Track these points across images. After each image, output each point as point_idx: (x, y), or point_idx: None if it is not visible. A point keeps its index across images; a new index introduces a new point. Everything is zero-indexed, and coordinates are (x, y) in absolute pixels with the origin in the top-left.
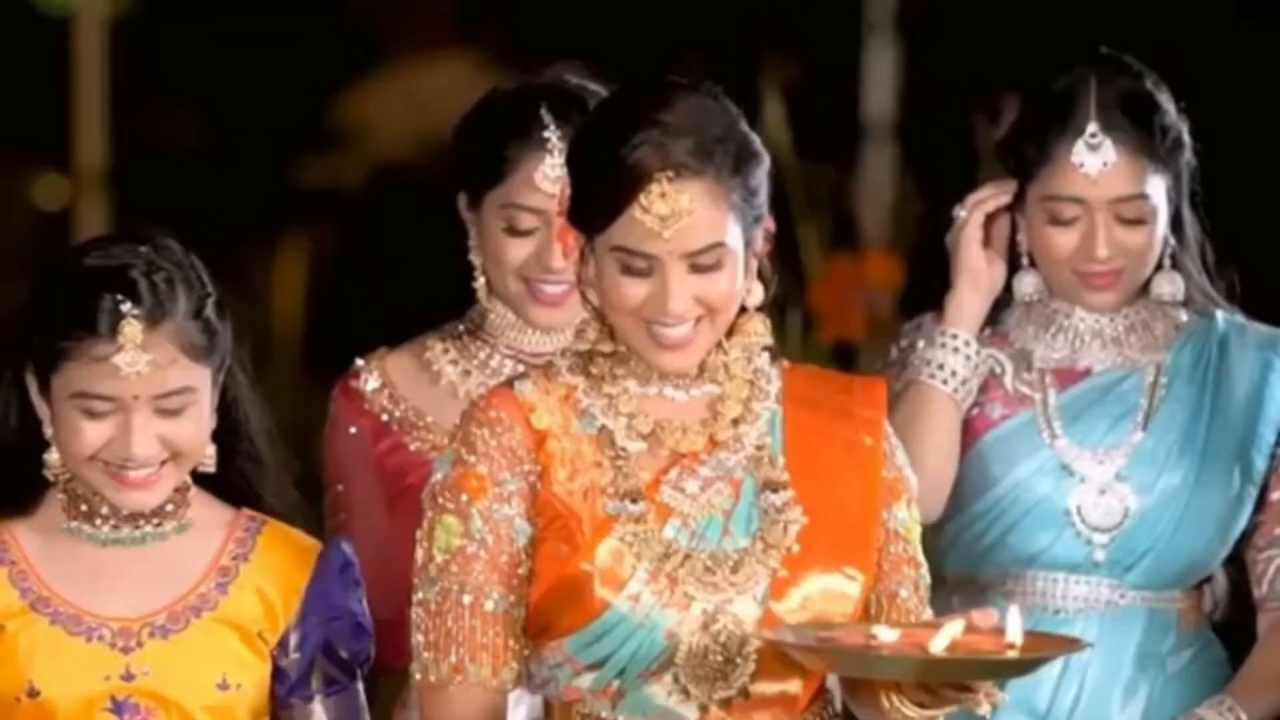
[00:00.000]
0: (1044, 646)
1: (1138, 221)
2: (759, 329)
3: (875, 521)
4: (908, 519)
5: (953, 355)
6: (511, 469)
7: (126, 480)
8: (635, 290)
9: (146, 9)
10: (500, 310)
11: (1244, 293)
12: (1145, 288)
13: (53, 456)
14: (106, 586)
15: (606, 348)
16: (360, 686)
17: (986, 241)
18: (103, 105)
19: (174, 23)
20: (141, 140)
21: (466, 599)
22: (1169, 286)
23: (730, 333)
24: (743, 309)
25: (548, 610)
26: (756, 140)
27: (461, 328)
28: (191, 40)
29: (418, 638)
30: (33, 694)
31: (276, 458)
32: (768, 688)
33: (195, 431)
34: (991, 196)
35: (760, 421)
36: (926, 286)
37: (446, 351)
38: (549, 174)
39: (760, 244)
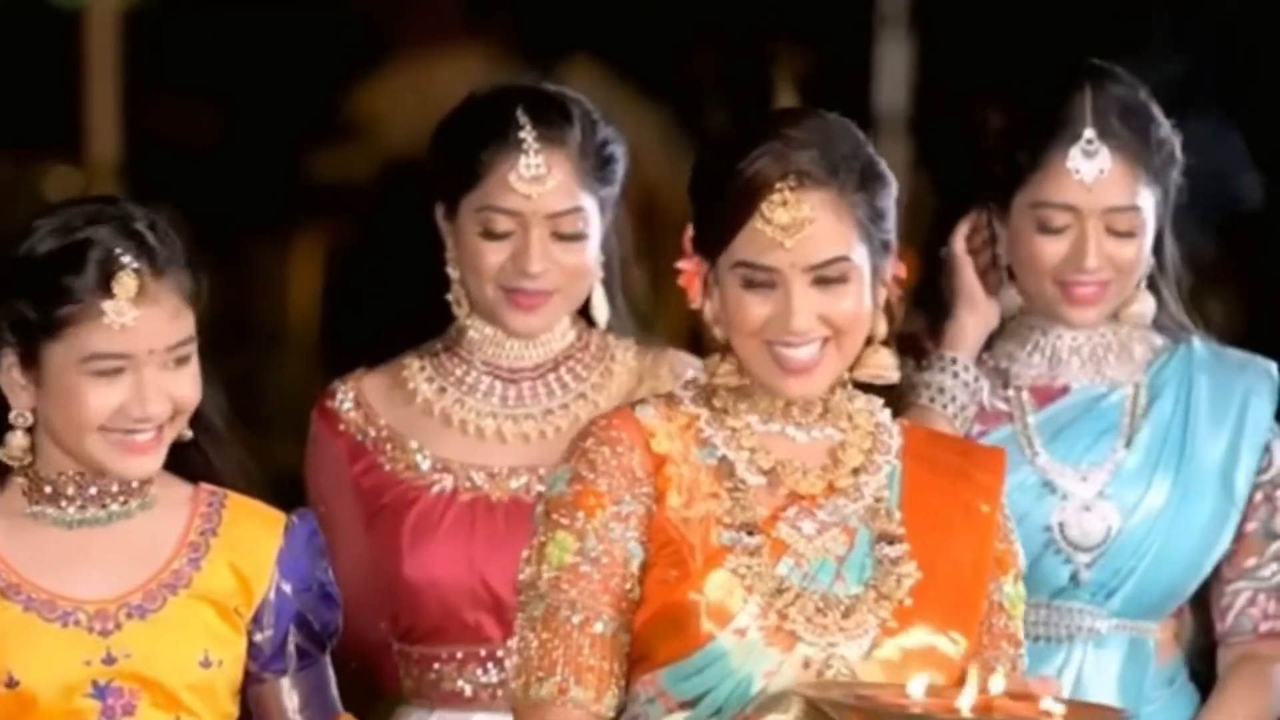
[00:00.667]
0: (1084, 714)
1: (1128, 234)
2: (886, 362)
3: (983, 589)
4: (1014, 595)
5: (952, 380)
6: (630, 490)
7: (134, 446)
8: (758, 309)
9: (159, 2)
10: (478, 325)
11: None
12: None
13: (17, 440)
14: (77, 569)
15: (733, 381)
16: (328, 660)
17: (979, 271)
18: (115, 98)
19: (186, 16)
20: (153, 133)
21: (576, 618)
22: (1141, 307)
23: (854, 365)
24: (868, 341)
25: (649, 638)
26: (884, 165)
27: (439, 345)
28: (203, 33)
29: (519, 655)
30: (11, 684)
31: (234, 434)
32: None
33: (195, 385)
34: (973, 224)
35: (880, 474)
36: (938, 281)
37: (423, 369)
38: (524, 174)
39: (890, 274)
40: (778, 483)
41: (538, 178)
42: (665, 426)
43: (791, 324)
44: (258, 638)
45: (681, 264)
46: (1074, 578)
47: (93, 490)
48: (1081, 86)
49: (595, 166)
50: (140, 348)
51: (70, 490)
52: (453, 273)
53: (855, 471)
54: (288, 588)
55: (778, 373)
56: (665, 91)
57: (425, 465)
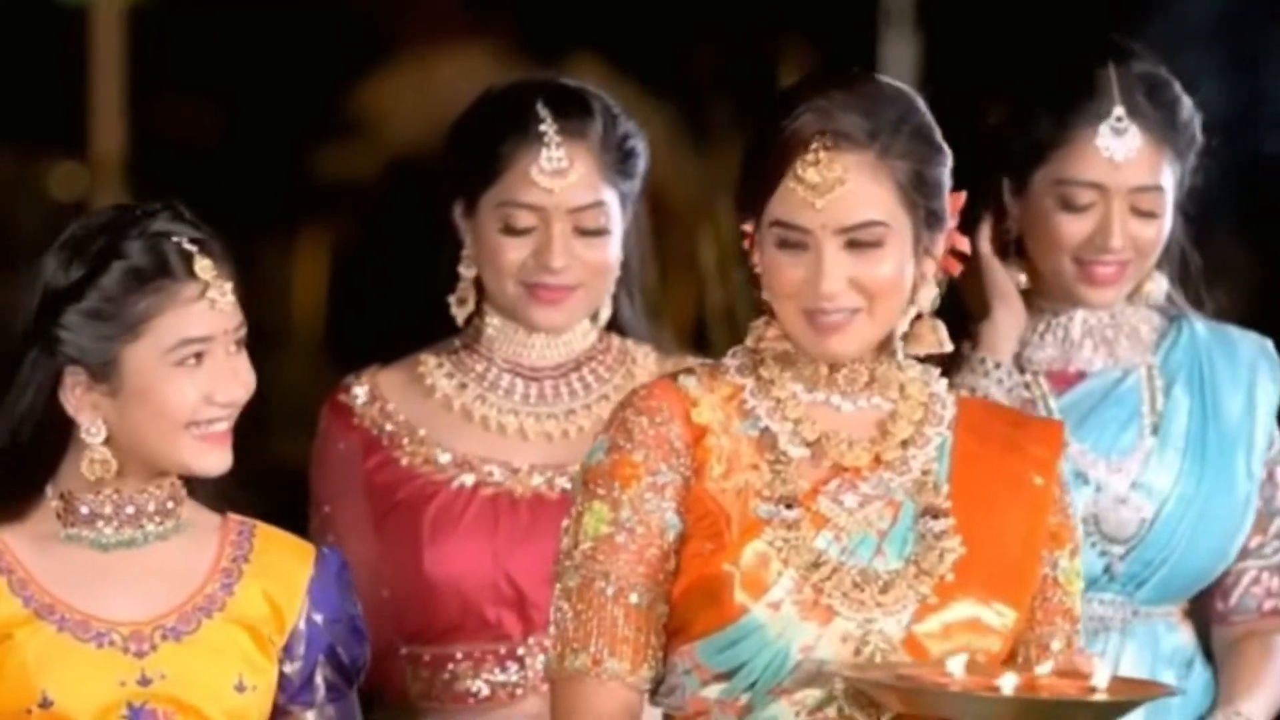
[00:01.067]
0: (1130, 690)
1: (1151, 214)
2: (937, 336)
3: (1034, 562)
4: (1069, 569)
5: (996, 385)
6: (667, 460)
7: (216, 438)
8: (791, 271)
9: None
10: (497, 324)
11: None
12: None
13: (100, 454)
14: (110, 591)
15: (778, 346)
16: (355, 696)
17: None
18: (119, 95)
19: (190, 13)
20: (158, 131)
21: (610, 589)
22: (1154, 288)
23: (907, 339)
24: (918, 316)
25: (685, 609)
26: (938, 135)
27: (457, 343)
28: (207, 30)
29: (555, 626)
30: (45, 704)
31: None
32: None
33: (253, 372)
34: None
35: (930, 446)
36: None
37: (441, 365)
38: (546, 167)
39: (940, 248)
40: (821, 455)
41: (560, 171)
42: (708, 397)
43: (821, 286)
44: (288, 668)
45: (745, 226)
46: (1108, 570)
47: (130, 510)
48: (1105, 63)
49: (617, 160)
50: (219, 329)
51: (108, 509)
52: (466, 271)
53: (904, 444)
54: (319, 618)
55: (811, 333)
56: (669, 89)
57: (445, 460)
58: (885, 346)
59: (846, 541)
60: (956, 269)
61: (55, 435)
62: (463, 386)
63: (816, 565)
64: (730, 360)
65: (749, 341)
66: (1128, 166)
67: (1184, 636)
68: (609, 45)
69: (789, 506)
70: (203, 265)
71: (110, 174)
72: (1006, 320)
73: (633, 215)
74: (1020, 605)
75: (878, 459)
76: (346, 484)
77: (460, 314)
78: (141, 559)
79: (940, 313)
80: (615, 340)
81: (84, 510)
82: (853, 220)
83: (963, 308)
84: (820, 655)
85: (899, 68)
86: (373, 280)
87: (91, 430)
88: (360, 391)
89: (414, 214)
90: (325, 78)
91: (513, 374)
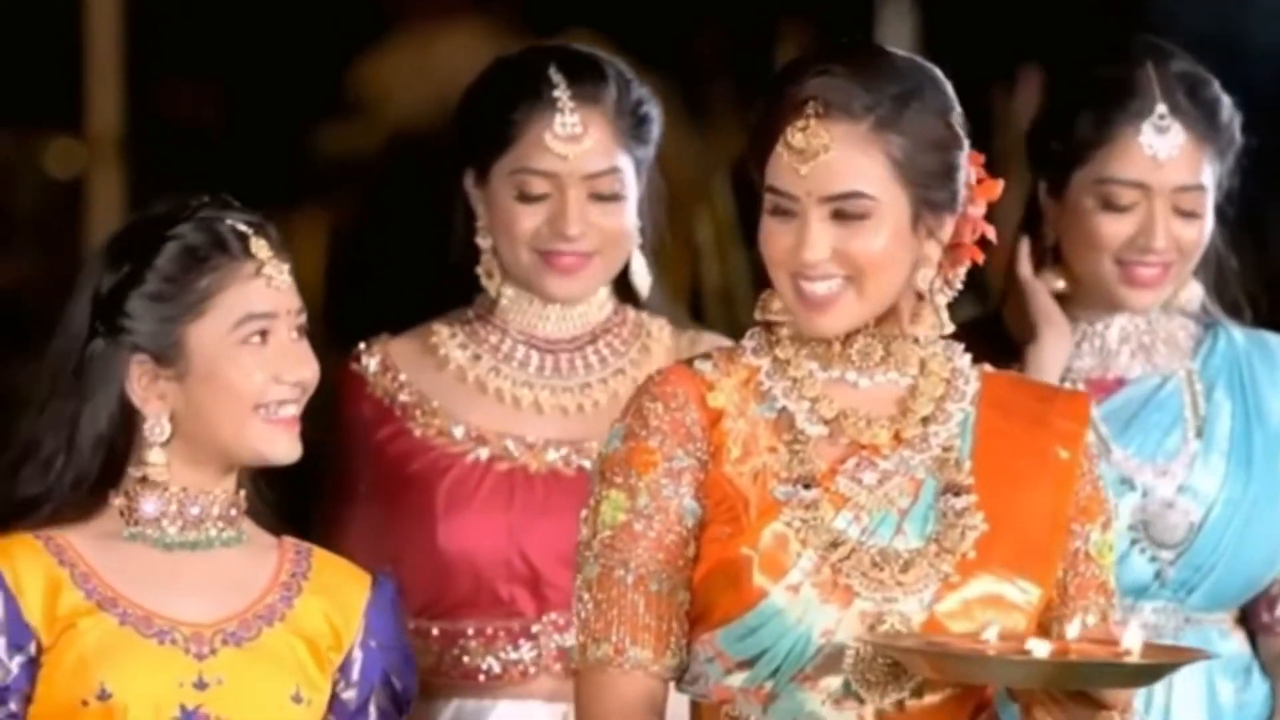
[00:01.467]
0: (1162, 655)
1: (1193, 215)
2: (937, 319)
3: (1061, 537)
4: (1101, 543)
5: None
6: (684, 445)
7: (285, 422)
8: (781, 238)
9: None
10: (511, 295)
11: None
12: None
13: (158, 455)
14: (172, 590)
15: (784, 318)
16: None
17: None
18: (117, 72)
19: None
20: (156, 108)
21: (630, 578)
22: (1191, 294)
23: (911, 321)
24: (919, 296)
25: (705, 595)
26: (953, 119)
27: (471, 313)
28: (206, 8)
29: (577, 617)
30: (103, 696)
31: None
32: (932, 698)
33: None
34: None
35: (952, 422)
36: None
37: (454, 336)
38: (560, 133)
39: (947, 232)
40: (839, 433)
41: (574, 136)
42: (724, 380)
43: (803, 254)
44: (344, 694)
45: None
46: (1158, 576)
47: (194, 511)
48: (1143, 62)
49: (631, 126)
50: (281, 307)
51: (173, 509)
52: (483, 243)
53: (924, 421)
54: (374, 644)
55: (800, 307)
56: (667, 66)
57: (459, 433)
58: (888, 322)
59: (866, 521)
60: (980, 257)
61: (123, 432)
62: (476, 358)
63: (835, 545)
64: (747, 342)
65: (756, 313)
66: (1170, 165)
67: (1238, 644)
68: (608, 24)
69: (807, 486)
70: (258, 244)
71: (107, 151)
72: (1053, 343)
73: (647, 182)
74: (1045, 582)
75: (897, 437)
76: (357, 451)
77: (491, 286)
78: (204, 562)
79: (985, 337)
80: (631, 313)
81: (148, 509)
82: (835, 190)
83: (1008, 333)
84: (841, 639)
85: (896, 45)
86: (373, 258)
87: (156, 429)
88: (371, 360)
89: (415, 190)
90: (325, 55)
91: (527, 345)
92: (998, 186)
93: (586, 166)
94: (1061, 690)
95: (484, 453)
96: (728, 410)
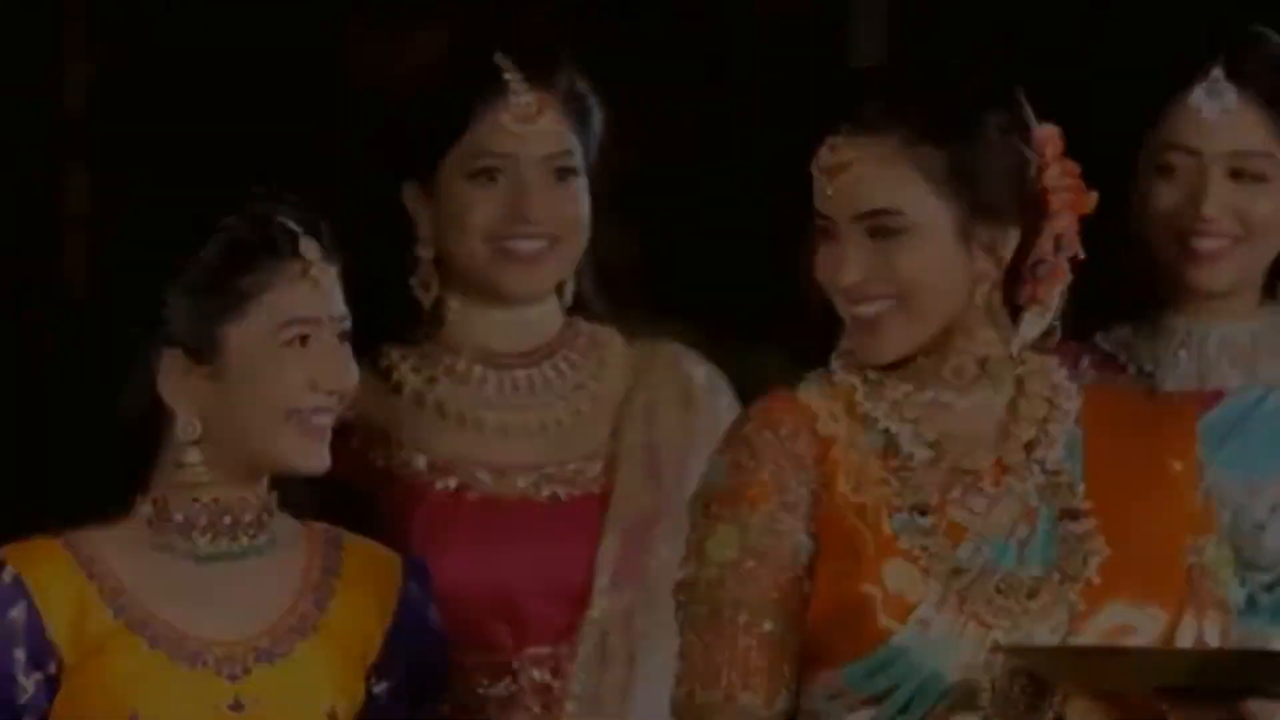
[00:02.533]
0: None
1: (1258, 179)
2: (988, 336)
3: (1182, 555)
4: (1217, 558)
5: None
6: (796, 475)
7: (318, 432)
8: (825, 261)
9: None
10: (457, 306)
11: None
12: (1270, 289)
13: (193, 455)
14: (203, 606)
15: None
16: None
17: None
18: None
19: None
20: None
21: (742, 618)
22: None
23: (968, 339)
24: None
25: (824, 634)
26: (1009, 129)
27: (420, 334)
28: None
29: (683, 659)
30: None
31: None
32: None
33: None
34: None
35: (1058, 445)
36: None
37: (405, 358)
38: (515, 113)
39: (1007, 245)
40: (942, 456)
41: (529, 116)
42: (829, 405)
43: (839, 276)
44: (376, 687)
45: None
46: (1252, 601)
47: (227, 519)
48: (1198, 25)
49: (579, 111)
50: (325, 312)
51: (204, 519)
52: (424, 253)
53: (1028, 446)
54: (409, 628)
55: (853, 331)
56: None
57: (421, 463)
58: (952, 340)
59: (987, 551)
60: (1065, 276)
61: (152, 429)
62: (432, 380)
63: (957, 574)
64: (836, 361)
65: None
66: (1223, 128)
67: None
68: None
69: (922, 513)
70: (307, 244)
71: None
72: None
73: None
74: (1171, 604)
75: (1001, 464)
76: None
77: (426, 299)
78: (234, 572)
79: None
80: (584, 325)
81: (179, 517)
82: (863, 207)
83: None
84: (975, 673)
85: (871, 23)
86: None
87: (188, 428)
88: None
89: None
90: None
91: (484, 365)
92: (1090, 199)
93: (543, 148)
94: (1211, 697)
95: (452, 482)
96: (837, 437)
